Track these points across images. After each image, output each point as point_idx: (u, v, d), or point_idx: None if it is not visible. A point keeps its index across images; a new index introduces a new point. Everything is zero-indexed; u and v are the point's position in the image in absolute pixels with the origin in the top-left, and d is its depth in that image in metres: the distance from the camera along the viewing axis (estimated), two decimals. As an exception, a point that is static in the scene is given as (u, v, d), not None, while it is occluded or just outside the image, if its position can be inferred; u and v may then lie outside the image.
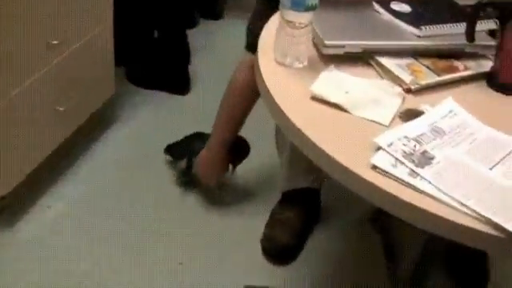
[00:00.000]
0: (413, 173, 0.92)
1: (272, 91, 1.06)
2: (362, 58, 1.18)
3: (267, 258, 1.74)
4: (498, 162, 0.98)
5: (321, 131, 0.99)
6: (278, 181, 1.85)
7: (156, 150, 2.07)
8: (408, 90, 1.12)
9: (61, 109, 1.75)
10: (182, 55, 2.36)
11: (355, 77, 1.12)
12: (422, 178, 0.92)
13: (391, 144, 0.96)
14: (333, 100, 1.04)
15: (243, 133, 1.83)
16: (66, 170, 1.95)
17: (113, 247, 1.72)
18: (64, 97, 1.77)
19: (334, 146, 0.96)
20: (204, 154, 1.78)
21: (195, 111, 2.31)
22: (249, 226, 1.83)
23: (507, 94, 1.18)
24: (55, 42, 1.64)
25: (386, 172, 0.92)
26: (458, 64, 1.20)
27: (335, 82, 1.08)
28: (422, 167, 0.93)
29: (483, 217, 0.86)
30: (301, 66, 1.14)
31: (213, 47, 2.69)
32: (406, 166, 0.93)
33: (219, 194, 1.85)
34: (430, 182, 0.91)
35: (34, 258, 1.65)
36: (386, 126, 1.02)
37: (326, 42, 1.14)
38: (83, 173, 1.96)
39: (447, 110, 1.08)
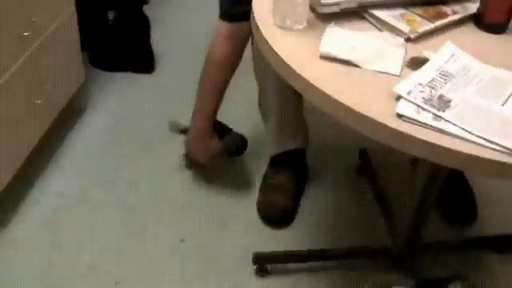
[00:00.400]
0: (436, 117, 0.96)
1: (281, 54, 1.07)
2: (357, 14, 1.21)
3: (266, 223, 1.77)
4: (508, 99, 1.03)
5: (338, 87, 1.01)
6: (266, 146, 1.87)
7: (132, 130, 2.07)
8: (408, 39, 1.15)
9: (38, 101, 1.71)
10: (142, 32, 2.33)
11: (357, 32, 1.14)
12: (446, 120, 0.96)
13: (410, 92, 1.00)
14: (342, 57, 1.07)
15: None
16: (48, 163, 1.91)
17: (111, 234, 1.71)
18: (39, 89, 1.73)
19: (355, 100, 0.99)
20: (191, 131, 1.78)
21: (163, 88, 2.30)
22: (244, 194, 1.85)
23: (495, 33, 1.23)
24: (26, 34, 1.59)
25: (412, 119, 0.96)
26: (446, 9, 1.25)
27: (340, 40, 1.11)
28: (443, 111, 0.97)
29: (510, 150, 0.91)
30: (301, 27, 1.16)
31: (168, 21, 2.66)
32: (429, 112, 0.97)
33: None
34: (454, 124, 0.95)
35: (31, 256, 1.63)
36: (397, 76, 1.05)
37: (322, 1, 1.16)
38: (66, 163, 1.92)
39: (449, 54, 1.12)
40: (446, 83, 1.04)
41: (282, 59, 1.06)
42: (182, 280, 1.60)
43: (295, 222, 1.79)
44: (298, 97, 1.78)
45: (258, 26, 1.15)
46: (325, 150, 2.04)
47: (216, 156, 1.80)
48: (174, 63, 2.44)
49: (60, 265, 1.61)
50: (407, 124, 0.95)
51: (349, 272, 1.64)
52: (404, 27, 1.16)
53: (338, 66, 1.07)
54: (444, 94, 1.01)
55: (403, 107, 0.97)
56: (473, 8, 1.25)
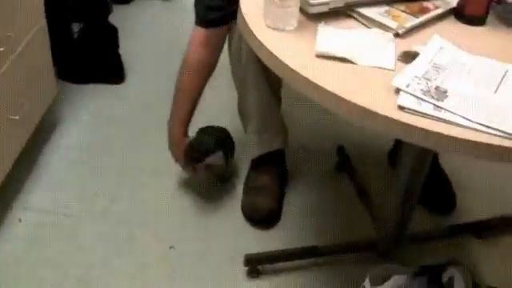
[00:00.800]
0: (437, 107, 1.00)
1: (277, 54, 1.09)
2: (345, 13, 1.24)
3: (253, 224, 1.78)
4: (499, 86, 1.08)
5: (338, 84, 1.04)
6: (246, 150, 1.88)
7: (108, 141, 2.05)
8: (396, 35, 1.19)
9: (15, 117, 1.68)
10: (110, 42, 2.31)
11: (347, 30, 1.18)
12: (446, 110, 0.99)
13: (408, 85, 1.03)
14: (339, 55, 1.10)
15: (206, 110, 1.85)
16: (27, 180, 1.88)
17: (98, 247, 1.69)
18: (15, 105, 1.70)
19: (356, 95, 1.01)
20: (168, 138, 1.79)
21: (135, 97, 2.29)
22: (227, 198, 1.87)
23: (475, 25, 1.28)
24: (1, 49, 1.57)
25: (414, 110, 0.99)
26: (428, 4, 1.29)
27: (334, 38, 1.14)
28: (442, 101, 1.01)
29: (509, 134, 0.95)
30: (292, 28, 1.18)
31: (133, 30, 2.65)
32: (429, 102, 1.01)
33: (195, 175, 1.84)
34: (454, 113, 0.99)
35: (20, 275, 1.60)
36: (392, 70, 1.09)
37: (311, 1, 1.19)
38: (45, 178, 1.89)
39: (438, 47, 1.16)
40: (439, 75, 1.08)
41: (280, 60, 1.08)
42: (173, 287, 1.59)
43: (281, 222, 1.81)
44: (277, 99, 1.80)
45: (250, 29, 1.16)
46: (302, 150, 2.07)
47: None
48: (143, 71, 2.43)
49: (49, 281, 1.59)
50: (409, 115, 0.99)
51: (339, 267, 1.67)
52: (391, 23, 1.20)
53: (335, 64, 1.09)
54: (439, 85, 1.05)
55: (404, 99, 1.01)
56: (453, 2, 1.30)
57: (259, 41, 1.14)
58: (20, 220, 1.75)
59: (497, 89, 1.07)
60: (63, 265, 1.63)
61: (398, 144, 1.96)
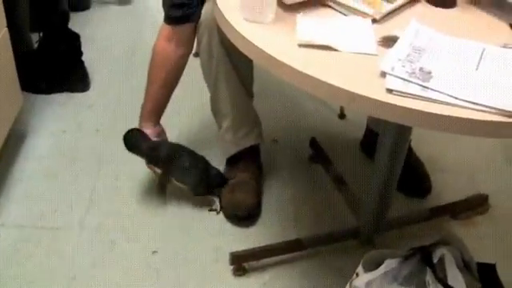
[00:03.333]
0: (423, 87, 1.00)
1: (260, 46, 1.08)
2: (320, 2, 1.24)
3: (234, 222, 1.77)
4: (479, 63, 1.09)
5: (323, 70, 1.03)
6: (221, 148, 1.86)
7: (78, 149, 2.01)
8: (374, 21, 1.19)
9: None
10: (73, 50, 2.26)
11: (326, 18, 1.17)
12: (432, 89, 1.00)
13: (393, 68, 1.04)
14: (321, 43, 1.09)
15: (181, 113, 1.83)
16: (0, 195, 1.81)
17: (81, 257, 1.65)
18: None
19: (345, 81, 1.01)
20: (138, 125, 1.79)
21: (102, 104, 2.25)
22: (205, 198, 1.84)
23: (447, 7, 1.30)
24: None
25: (402, 92, 0.99)
26: (400, -11, 1.30)
27: (314, 27, 1.13)
28: (428, 81, 1.02)
29: (497, 109, 0.96)
30: (270, 20, 1.17)
31: (94, 37, 2.60)
32: (416, 84, 1.01)
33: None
34: (441, 92, 0.99)
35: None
36: (375, 55, 1.09)
37: (287, -8, 1.18)
38: (18, 192, 1.84)
39: (415, 30, 1.17)
40: (421, 57, 1.09)
41: (265, 52, 1.07)
42: (161, 291, 1.57)
43: (261, 218, 1.81)
44: (249, 94, 1.79)
45: (229, 23, 1.15)
46: (274, 144, 2.06)
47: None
48: (107, 77, 2.39)
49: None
50: (398, 97, 0.99)
51: (325, 258, 1.67)
52: (368, 10, 1.20)
53: (318, 52, 1.09)
54: (423, 66, 1.06)
55: (392, 82, 1.01)
56: (423, -14, 1.31)
57: (240, 34, 1.12)
58: (-4, 237, 1.69)
59: (477, 67, 1.08)
60: (45, 279, 1.58)
61: (370, 133, 1.98)
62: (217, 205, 1.80)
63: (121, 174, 1.92)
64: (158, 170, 1.77)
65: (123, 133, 1.78)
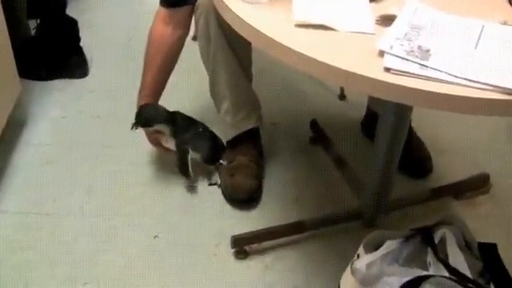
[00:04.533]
0: (422, 66, 0.99)
1: (256, 26, 1.07)
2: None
3: (235, 205, 1.76)
4: (478, 41, 1.07)
5: (320, 50, 1.02)
6: (221, 131, 1.85)
7: (77, 136, 2.00)
8: (371, 0, 1.17)
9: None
10: (71, 36, 2.25)
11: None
12: (431, 68, 0.99)
13: (392, 47, 1.02)
14: (318, 22, 1.07)
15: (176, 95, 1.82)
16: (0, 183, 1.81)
17: (82, 244, 1.64)
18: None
19: (342, 61, 0.99)
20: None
21: (102, 89, 2.23)
22: (205, 181, 1.84)
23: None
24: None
25: (401, 71, 0.98)
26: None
27: (310, 6, 1.12)
28: (427, 60, 1.00)
29: (498, 87, 0.95)
30: (265, 0, 1.15)
31: (92, 22, 2.57)
32: (414, 62, 1.00)
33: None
34: (440, 70, 0.98)
35: (5, 279, 1.54)
36: (373, 34, 1.07)
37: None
38: (18, 179, 1.83)
39: (413, 8, 1.15)
40: (419, 35, 1.07)
41: (261, 33, 1.05)
42: (163, 275, 1.56)
43: (262, 200, 1.80)
44: (248, 76, 1.78)
45: (226, 4, 1.14)
46: (275, 126, 2.05)
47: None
48: (106, 62, 2.37)
49: (35, 282, 1.54)
50: (396, 76, 0.97)
51: (327, 240, 1.67)
52: (365, -12, 1.18)
53: (315, 31, 1.08)
54: (421, 44, 1.04)
55: (390, 61, 0.99)
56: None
57: (237, 15, 1.11)
58: (-4, 225, 1.69)
59: (476, 44, 1.06)
60: (48, 265, 1.58)
61: (371, 114, 1.97)
62: (216, 178, 1.80)
63: (121, 160, 1.91)
64: (173, 146, 1.75)
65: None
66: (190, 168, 1.77)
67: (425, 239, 1.22)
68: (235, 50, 1.67)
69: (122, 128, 1.83)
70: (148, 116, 1.75)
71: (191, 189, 1.80)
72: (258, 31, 1.06)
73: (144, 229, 1.69)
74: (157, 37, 1.71)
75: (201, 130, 1.78)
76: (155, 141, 1.81)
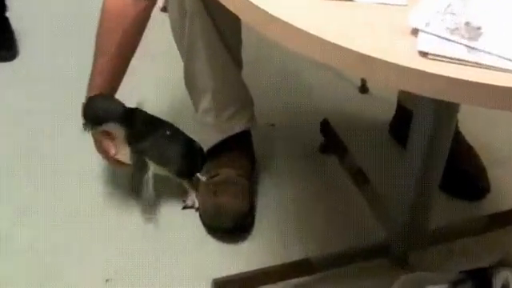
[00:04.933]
0: (471, 49, 1.00)
1: (264, 7, 1.07)
2: None
3: (217, 235, 1.78)
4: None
5: (334, 29, 1.03)
6: (200, 136, 1.86)
7: (5, 138, 2.02)
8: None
9: None
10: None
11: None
12: (485, 52, 1.00)
13: (428, 23, 1.04)
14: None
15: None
16: None
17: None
18: None
19: (361, 43, 1.01)
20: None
21: (32, 73, 2.28)
22: (178, 203, 1.86)
23: None
24: None
25: (441, 56, 0.99)
26: None
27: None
28: (477, 40, 1.02)
29: None
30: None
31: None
32: (461, 44, 1.01)
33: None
34: (498, 55, 0.99)
35: None
36: (405, 5, 1.09)
37: None
38: None
39: (459, -29, 1.16)
40: (466, 7, 1.09)
41: (256, 6, 1.06)
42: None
43: (255, 229, 1.81)
44: (236, 62, 1.79)
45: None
46: (271, 129, 2.07)
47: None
48: (42, 41, 2.40)
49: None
50: (435, 62, 0.98)
51: (341, 284, 1.68)
52: None
53: (329, 5, 1.08)
54: (470, 20, 1.06)
55: (426, 43, 1.00)
56: None
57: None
58: None
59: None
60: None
61: (402, 112, 1.98)
62: (193, 198, 1.81)
63: (61, 173, 1.92)
64: (126, 158, 1.75)
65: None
66: (149, 190, 1.77)
67: (480, 285, 1.24)
68: (218, 26, 1.68)
69: (63, 127, 1.85)
70: (97, 111, 1.75)
71: (150, 220, 1.80)
72: (252, 3, 1.07)
73: (92, 269, 1.70)
74: (113, 7, 1.71)
75: (169, 133, 1.77)
76: (103, 148, 1.79)
